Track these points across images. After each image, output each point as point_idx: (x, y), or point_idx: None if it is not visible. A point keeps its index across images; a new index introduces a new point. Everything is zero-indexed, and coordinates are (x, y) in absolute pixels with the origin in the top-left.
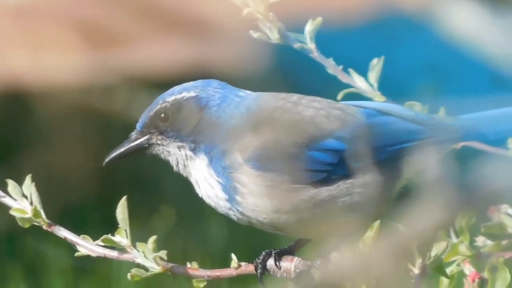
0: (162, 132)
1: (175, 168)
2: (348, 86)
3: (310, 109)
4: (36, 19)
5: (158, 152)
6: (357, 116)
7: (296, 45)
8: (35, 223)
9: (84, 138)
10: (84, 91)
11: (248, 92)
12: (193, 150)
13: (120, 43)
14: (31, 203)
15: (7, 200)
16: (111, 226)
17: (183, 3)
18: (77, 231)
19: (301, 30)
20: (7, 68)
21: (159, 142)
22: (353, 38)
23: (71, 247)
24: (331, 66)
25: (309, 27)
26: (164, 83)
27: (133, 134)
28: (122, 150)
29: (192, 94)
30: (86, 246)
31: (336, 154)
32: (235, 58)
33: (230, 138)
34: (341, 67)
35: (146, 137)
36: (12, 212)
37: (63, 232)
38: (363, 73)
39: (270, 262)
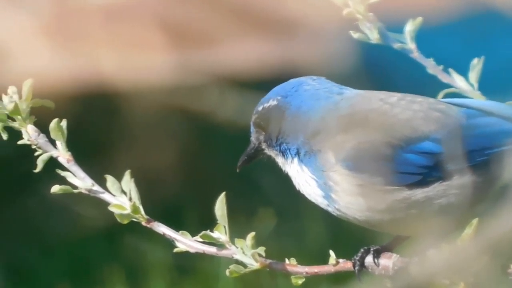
0: (264, 140)
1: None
2: (446, 85)
3: (407, 111)
4: (124, 19)
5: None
6: (458, 117)
7: (396, 45)
8: (134, 219)
9: (173, 137)
10: (172, 91)
11: (348, 89)
12: (285, 156)
13: (208, 43)
14: (130, 199)
15: (105, 196)
16: (210, 225)
17: (271, 2)
18: (175, 229)
19: (397, 29)
20: (96, 68)
21: (264, 148)
22: (444, 35)
23: (168, 245)
24: (431, 66)
25: (409, 27)
26: (252, 83)
27: (252, 139)
28: (244, 157)
29: (275, 102)
30: (185, 242)
31: (432, 157)
32: (324, 56)
33: (321, 136)
34: (441, 67)
35: (257, 144)
36: (111, 208)
37: (162, 228)
38: (456, 68)
39: (368, 259)
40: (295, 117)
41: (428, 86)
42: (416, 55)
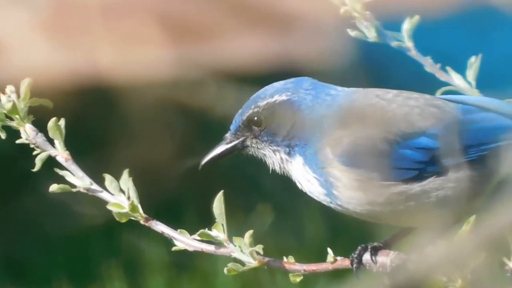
0: (256, 136)
1: (271, 167)
2: (444, 83)
3: (404, 107)
4: (122, 13)
5: (253, 153)
6: (454, 112)
7: (394, 43)
8: (132, 218)
9: (171, 133)
10: (170, 86)
11: (340, 88)
12: (288, 154)
13: (207, 38)
14: (128, 198)
15: (104, 195)
16: (208, 222)
17: None
18: (173, 226)
19: (394, 27)
20: (93, 63)
21: (253, 145)
22: (443, 30)
23: (167, 242)
24: (429, 64)
25: (406, 26)
26: (251, 78)
27: (228, 136)
28: (217, 152)
29: (284, 97)
30: (183, 240)
31: (428, 152)
32: (321, 53)
33: (322, 136)
34: (439, 65)
35: (241, 140)
36: (109, 207)
37: (160, 227)
38: (453, 65)
39: (366, 257)
40: (307, 115)
41: (426, 84)
42: (413, 53)
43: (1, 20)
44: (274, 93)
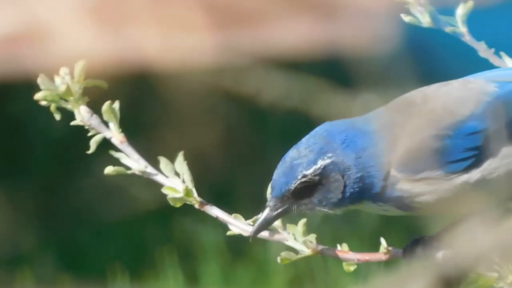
0: (305, 203)
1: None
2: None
3: (440, 98)
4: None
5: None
6: (491, 89)
7: (448, 29)
8: (187, 202)
9: (218, 118)
10: (217, 72)
11: (363, 117)
12: (352, 203)
13: (251, 23)
14: (183, 181)
15: (159, 178)
16: (259, 206)
17: None
18: (225, 211)
19: (446, 12)
20: (140, 50)
21: (304, 209)
22: (494, 15)
23: (220, 226)
24: (483, 49)
25: (460, 11)
26: (298, 64)
27: (272, 203)
28: (266, 220)
29: (327, 160)
30: (238, 225)
31: (479, 135)
32: (369, 38)
33: (379, 165)
34: (492, 50)
35: (289, 206)
36: (164, 190)
37: (215, 211)
38: (506, 50)
39: (419, 248)
40: (354, 176)
41: (479, 69)
42: (467, 38)
43: (48, 6)
44: (317, 158)
